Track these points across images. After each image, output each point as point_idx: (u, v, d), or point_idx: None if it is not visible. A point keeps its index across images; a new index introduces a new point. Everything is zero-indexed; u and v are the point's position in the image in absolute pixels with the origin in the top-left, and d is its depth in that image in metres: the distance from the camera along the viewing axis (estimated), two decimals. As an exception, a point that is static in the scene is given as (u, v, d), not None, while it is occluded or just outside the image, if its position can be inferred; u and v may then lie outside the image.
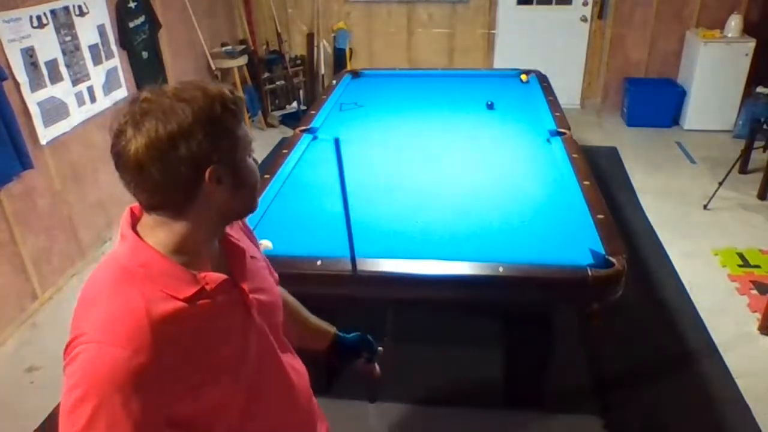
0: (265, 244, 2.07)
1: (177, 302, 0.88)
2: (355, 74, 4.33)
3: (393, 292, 1.99)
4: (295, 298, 1.37)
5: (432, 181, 2.64)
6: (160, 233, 0.91)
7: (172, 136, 0.83)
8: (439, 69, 5.16)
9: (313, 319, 1.39)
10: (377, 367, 1.43)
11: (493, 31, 5.71)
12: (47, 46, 3.12)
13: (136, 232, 0.92)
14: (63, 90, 3.25)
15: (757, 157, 4.33)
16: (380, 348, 1.42)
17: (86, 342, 0.84)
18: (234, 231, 1.06)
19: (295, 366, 1.16)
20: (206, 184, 0.88)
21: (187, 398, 0.90)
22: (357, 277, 1.30)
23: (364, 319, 1.44)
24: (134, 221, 0.94)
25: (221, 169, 0.88)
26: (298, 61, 5.87)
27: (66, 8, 3.27)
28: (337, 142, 1.17)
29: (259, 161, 4.69)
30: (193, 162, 0.85)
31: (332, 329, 1.40)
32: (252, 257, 1.07)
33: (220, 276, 0.94)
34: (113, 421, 0.82)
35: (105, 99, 3.66)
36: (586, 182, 2.49)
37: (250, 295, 0.99)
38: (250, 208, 1.00)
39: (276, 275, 1.22)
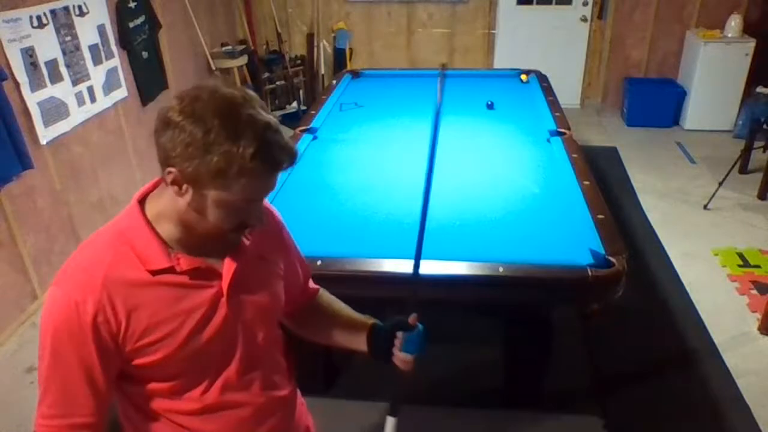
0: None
1: (142, 271, 0.95)
2: (355, 74, 4.32)
3: (392, 292, 1.99)
4: None
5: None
6: (161, 199, 0.98)
7: (164, 120, 0.89)
8: (440, 69, 5.15)
9: (354, 317, 1.30)
10: (410, 358, 1.20)
11: (493, 31, 5.71)
12: (47, 46, 3.12)
13: (143, 200, 1.00)
14: (63, 90, 3.25)
15: (757, 157, 4.33)
16: (419, 325, 1.21)
17: (52, 285, 0.95)
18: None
19: (268, 375, 1.14)
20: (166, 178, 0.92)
21: (133, 356, 0.97)
22: (417, 279, 1.27)
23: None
24: (153, 188, 1.01)
25: (180, 178, 0.90)
26: (298, 61, 5.87)
27: (66, 8, 3.27)
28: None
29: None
30: (162, 153, 0.90)
31: (371, 321, 1.29)
32: (262, 258, 1.10)
33: (194, 261, 0.98)
34: (63, 358, 0.93)
35: (105, 99, 3.66)
36: (586, 182, 2.49)
37: (237, 293, 1.03)
38: (208, 236, 0.98)
39: (308, 286, 1.29)
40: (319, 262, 1.95)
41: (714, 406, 2.42)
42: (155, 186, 1.01)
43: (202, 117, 0.86)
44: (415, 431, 2.36)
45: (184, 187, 0.91)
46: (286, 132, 5.01)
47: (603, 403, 2.44)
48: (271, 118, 0.92)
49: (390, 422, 1.23)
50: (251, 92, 0.94)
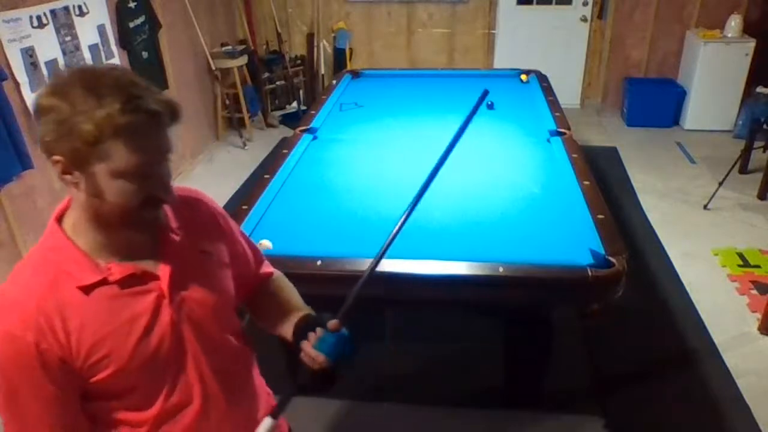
0: (265, 244, 2.07)
1: (74, 290, 0.92)
2: (355, 74, 4.32)
3: (393, 292, 1.99)
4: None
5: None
6: (74, 211, 0.96)
7: (35, 111, 0.87)
8: (439, 69, 5.16)
9: (297, 305, 1.25)
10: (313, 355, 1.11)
11: (493, 31, 5.71)
12: (47, 46, 3.12)
13: (60, 217, 0.97)
14: (63, 90, 3.25)
15: (757, 157, 4.33)
16: (344, 331, 1.14)
17: None
18: (182, 221, 1.05)
19: (229, 365, 1.12)
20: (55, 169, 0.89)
21: (87, 374, 0.94)
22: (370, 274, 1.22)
23: (364, 320, 1.42)
24: (68, 204, 0.98)
25: (66, 163, 0.88)
26: (298, 61, 5.87)
27: (66, 8, 3.27)
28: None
29: (259, 161, 4.73)
30: (43, 145, 0.88)
31: (306, 310, 1.23)
32: (203, 252, 1.08)
33: (126, 268, 0.95)
34: (19, 394, 0.91)
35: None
36: (586, 182, 2.49)
37: (179, 292, 1.01)
38: (122, 222, 0.94)
39: (260, 270, 1.27)
40: (319, 262, 1.96)
41: (714, 406, 2.42)
42: (70, 202, 0.98)
43: (65, 92, 0.84)
44: (416, 431, 2.37)
45: (75, 174, 0.88)
46: (286, 132, 5.03)
47: (603, 403, 2.44)
48: (140, 79, 0.89)
49: (266, 424, 1.09)
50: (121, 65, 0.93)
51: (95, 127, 0.83)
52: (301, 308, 1.23)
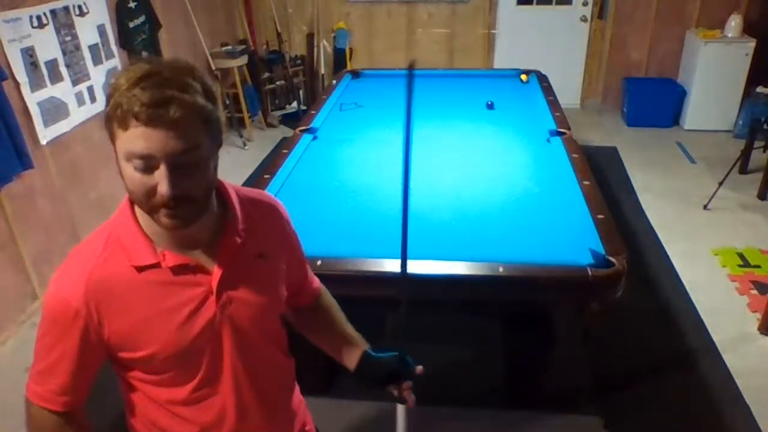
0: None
1: (129, 268, 0.97)
2: (355, 74, 4.33)
3: (393, 293, 1.98)
4: None
5: (432, 181, 2.64)
6: None
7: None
8: (439, 69, 5.16)
9: (346, 330, 1.30)
10: (411, 394, 1.26)
11: (493, 31, 5.71)
12: (47, 46, 3.12)
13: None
14: (63, 90, 3.25)
15: (757, 157, 4.33)
16: (419, 367, 1.25)
17: (50, 280, 1.00)
18: (250, 222, 1.06)
19: (265, 375, 1.14)
20: None
21: (119, 349, 1.00)
22: (405, 279, 1.26)
23: (364, 320, 1.42)
24: None
25: (109, 137, 0.91)
26: (298, 61, 5.87)
27: (66, 8, 3.27)
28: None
29: (259, 161, 4.73)
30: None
31: (363, 345, 1.27)
32: (262, 256, 1.08)
33: (180, 258, 0.98)
34: (50, 340, 0.99)
35: (105, 99, 3.65)
36: (586, 182, 2.49)
37: (228, 292, 1.02)
38: (150, 213, 0.93)
39: (313, 285, 1.30)
40: (319, 262, 1.95)
41: (714, 406, 2.42)
42: None
43: (127, 71, 0.90)
44: (416, 431, 2.37)
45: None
46: (286, 132, 5.03)
47: (603, 403, 2.44)
48: (198, 78, 0.90)
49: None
50: (182, 62, 0.92)
51: (120, 102, 0.85)
52: (355, 339, 1.28)
